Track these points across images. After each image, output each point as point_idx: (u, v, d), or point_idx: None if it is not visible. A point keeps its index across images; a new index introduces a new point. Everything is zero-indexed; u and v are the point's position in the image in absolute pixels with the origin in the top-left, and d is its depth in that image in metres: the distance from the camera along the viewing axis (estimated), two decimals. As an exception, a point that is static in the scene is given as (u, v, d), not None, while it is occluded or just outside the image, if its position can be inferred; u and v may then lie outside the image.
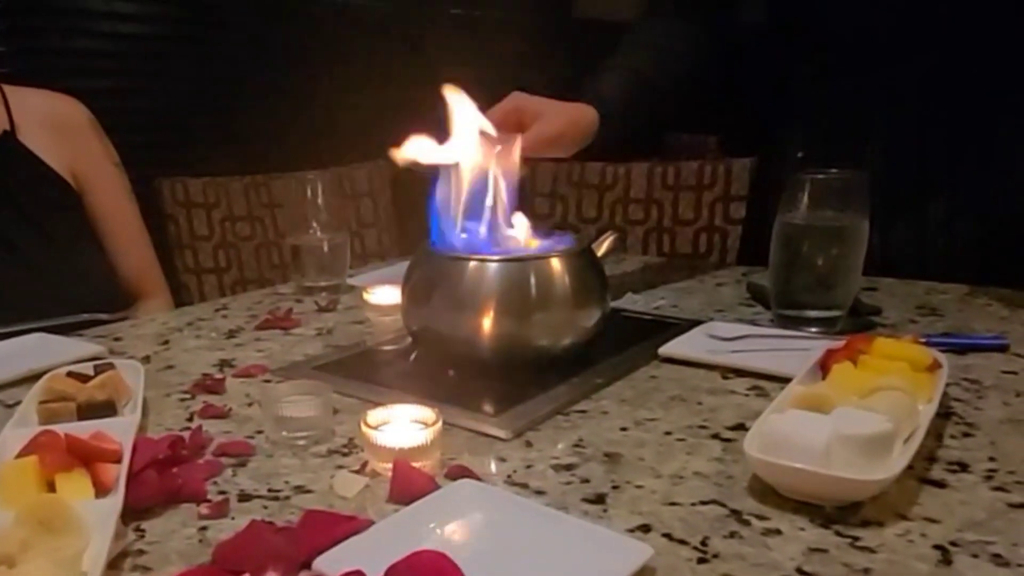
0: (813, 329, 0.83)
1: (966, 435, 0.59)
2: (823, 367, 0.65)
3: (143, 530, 0.49)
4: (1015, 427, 0.60)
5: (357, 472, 0.56)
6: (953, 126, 1.01)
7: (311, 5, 2.48)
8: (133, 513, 0.50)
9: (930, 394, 0.59)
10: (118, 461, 0.53)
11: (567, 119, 0.90)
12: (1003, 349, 0.76)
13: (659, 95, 1.01)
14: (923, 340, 0.71)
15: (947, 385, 0.62)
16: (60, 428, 0.56)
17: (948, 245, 1.03)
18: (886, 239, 0.80)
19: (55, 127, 1.15)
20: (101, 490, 0.51)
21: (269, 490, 0.54)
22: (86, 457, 0.52)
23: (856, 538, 0.46)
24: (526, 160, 0.87)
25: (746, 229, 1.43)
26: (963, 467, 0.54)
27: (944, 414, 0.62)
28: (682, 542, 0.46)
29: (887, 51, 1.01)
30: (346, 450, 0.60)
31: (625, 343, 0.80)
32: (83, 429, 0.56)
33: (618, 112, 0.94)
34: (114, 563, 0.46)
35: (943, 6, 0.97)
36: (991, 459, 0.55)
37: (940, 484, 0.52)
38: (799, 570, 0.43)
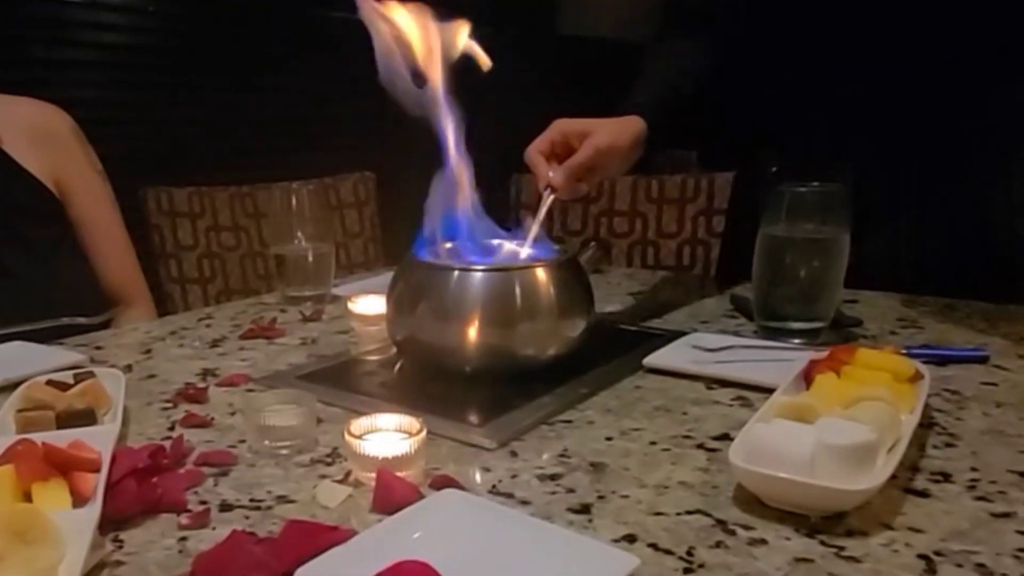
0: (796, 340, 0.83)
1: (948, 445, 0.59)
2: (806, 377, 0.65)
3: (121, 541, 0.49)
4: (996, 438, 0.61)
5: (340, 482, 0.55)
6: (922, 141, 1.03)
7: (297, 17, 2.48)
8: (112, 523, 0.50)
9: (912, 404, 0.59)
10: (97, 470, 0.53)
11: (615, 130, 0.91)
12: (983, 361, 0.77)
13: (689, 105, 1.03)
14: (904, 352, 0.72)
15: (928, 396, 0.63)
16: (38, 437, 0.55)
17: (919, 258, 1.05)
18: (858, 252, 0.82)
19: (38, 135, 1.14)
20: (79, 500, 0.50)
21: (251, 500, 0.53)
22: (64, 466, 0.51)
23: (841, 548, 0.46)
24: (587, 181, 0.88)
25: (724, 242, 1.44)
26: (946, 477, 0.54)
27: (926, 424, 0.63)
28: (668, 552, 0.46)
29: (858, 68, 1.03)
30: (329, 460, 0.59)
31: (610, 354, 0.80)
32: (62, 438, 0.55)
33: (663, 123, 0.96)
34: (91, 574, 0.45)
35: (913, 24, 0.99)
36: (973, 469, 0.56)
37: (923, 494, 0.52)
38: (784, 579, 0.44)
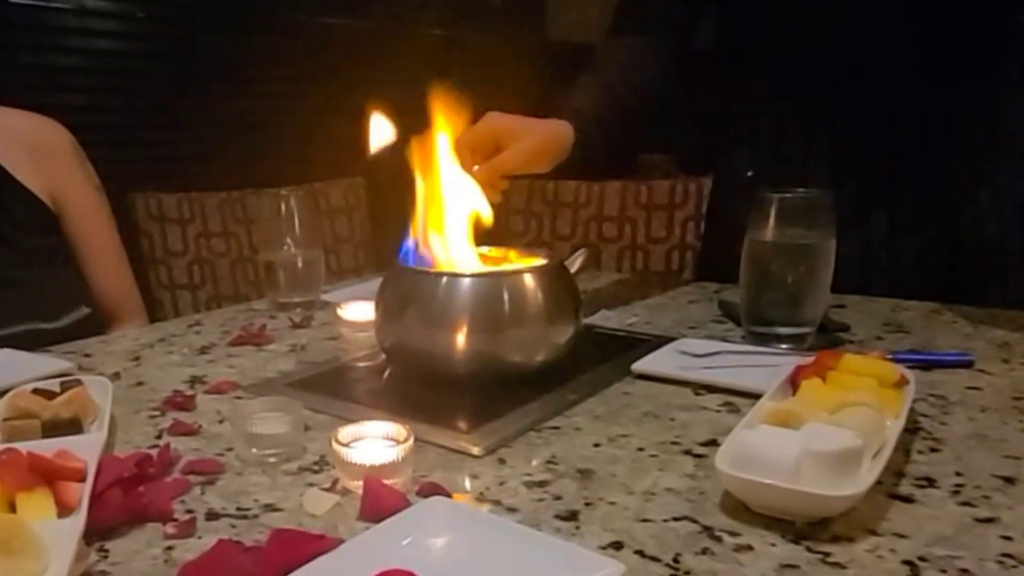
0: (783, 345, 0.84)
1: (933, 450, 0.60)
2: (793, 383, 0.65)
3: (107, 550, 0.48)
4: (980, 442, 0.61)
5: (328, 490, 0.55)
6: (892, 145, 1.04)
7: (287, 22, 2.48)
8: (97, 533, 0.49)
9: (897, 410, 0.60)
10: (82, 480, 0.52)
11: (544, 135, 0.91)
12: (968, 365, 0.78)
13: (629, 110, 1.03)
14: (890, 356, 0.72)
15: (914, 401, 0.63)
16: (23, 446, 0.55)
17: (891, 260, 1.06)
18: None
19: (35, 149, 1.14)
20: (64, 509, 0.50)
21: (238, 508, 0.53)
22: (49, 475, 0.51)
23: (827, 554, 0.46)
24: (505, 178, 0.88)
25: (702, 246, 1.44)
26: (931, 482, 0.55)
27: (911, 430, 0.63)
28: (654, 559, 0.46)
29: (828, 73, 1.04)
30: (317, 467, 0.59)
31: (598, 359, 0.81)
32: (47, 447, 0.55)
33: (592, 126, 0.96)
34: (76, 585, 0.45)
35: (882, 32, 1.00)
36: (958, 474, 0.56)
37: (908, 499, 0.53)
38: (769, 586, 0.44)
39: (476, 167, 0.85)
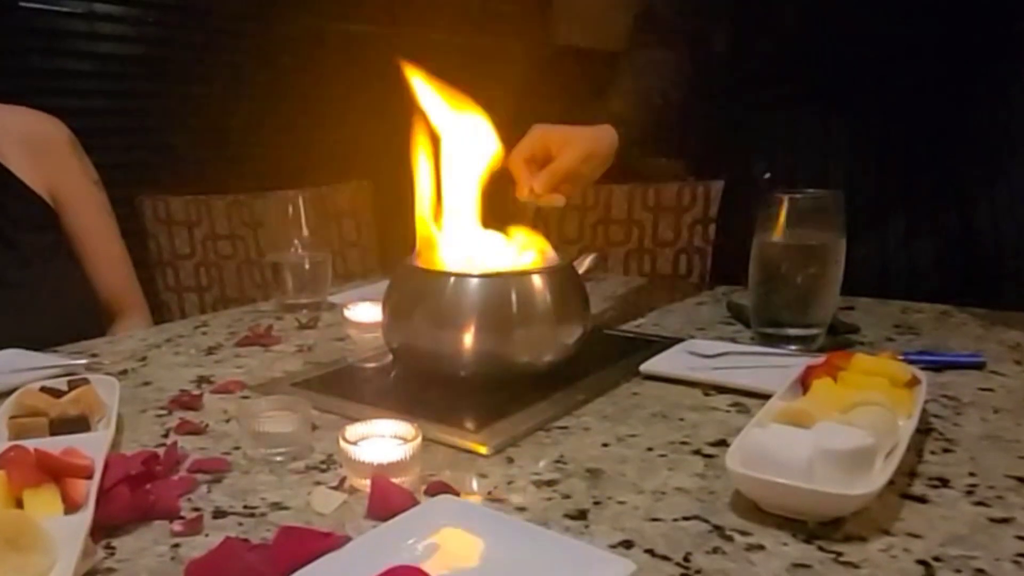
0: (793, 347, 0.83)
1: (946, 451, 0.59)
2: (803, 383, 0.65)
3: (113, 547, 0.48)
4: (993, 443, 0.60)
5: (335, 488, 0.55)
6: (908, 147, 1.04)
7: (293, 27, 2.49)
8: (104, 530, 0.49)
9: (909, 410, 0.59)
10: (89, 477, 0.52)
11: (593, 139, 0.93)
12: (980, 367, 0.77)
13: (660, 119, 1.05)
14: (901, 357, 0.72)
15: (925, 402, 0.62)
16: (30, 443, 0.55)
17: (909, 262, 1.06)
18: (848, 257, 0.83)
19: (33, 146, 1.14)
20: (71, 506, 0.50)
21: (245, 507, 0.53)
22: (56, 472, 0.51)
23: (839, 553, 0.46)
24: (563, 190, 0.89)
25: (715, 250, 1.44)
26: (944, 482, 0.54)
27: (923, 430, 0.62)
28: (665, 558, 0.46)
29: (844, 78, 1.04)
30: (324, 466, 0.59)
31: (606, 360, 0.80)
32: (54, 445, 0.55)
33: (636, 133, 0.98)
34: (82, 581, 0.44)
35: (896, 34, 1.00)
36: (971, 474, 0.55)
37: (922, 499, 0.52)
38: (782, 585, 0.43)
39: (534, 180, 0.87)
